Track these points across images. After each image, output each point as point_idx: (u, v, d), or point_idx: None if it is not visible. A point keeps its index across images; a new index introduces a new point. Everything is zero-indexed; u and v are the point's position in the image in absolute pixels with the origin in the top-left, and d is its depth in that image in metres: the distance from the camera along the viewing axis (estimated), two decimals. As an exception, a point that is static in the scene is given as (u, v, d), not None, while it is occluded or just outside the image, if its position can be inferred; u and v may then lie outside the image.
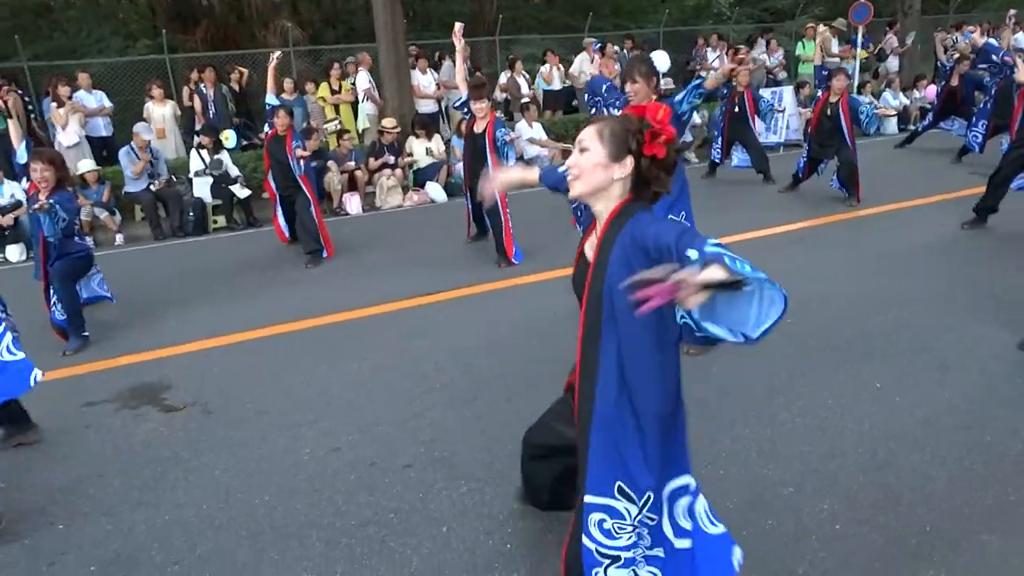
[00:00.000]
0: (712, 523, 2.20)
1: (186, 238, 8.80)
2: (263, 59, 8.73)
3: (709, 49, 14.14)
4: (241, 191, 9.03)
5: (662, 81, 13.08)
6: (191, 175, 9.19)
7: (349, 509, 3.11)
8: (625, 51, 12.98)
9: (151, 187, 8.98)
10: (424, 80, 11.69)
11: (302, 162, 7.11)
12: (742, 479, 3.17)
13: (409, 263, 6.84)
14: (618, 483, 1.99)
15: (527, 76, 12.85)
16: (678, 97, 4.45)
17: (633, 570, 2.07)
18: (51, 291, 5.14)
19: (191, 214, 8.92)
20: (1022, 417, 3.56)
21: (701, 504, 2.20)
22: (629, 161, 1.90)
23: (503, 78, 12.78)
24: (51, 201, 4.70)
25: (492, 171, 6.24)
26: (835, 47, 13.88)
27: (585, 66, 12.48)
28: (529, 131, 10.83)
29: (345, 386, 4.30)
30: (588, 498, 2.03)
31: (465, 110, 6.60)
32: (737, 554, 2.21)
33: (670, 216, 4.17)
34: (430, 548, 2.83)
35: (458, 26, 6.22)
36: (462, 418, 3.82)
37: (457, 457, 3.45)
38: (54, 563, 2.90)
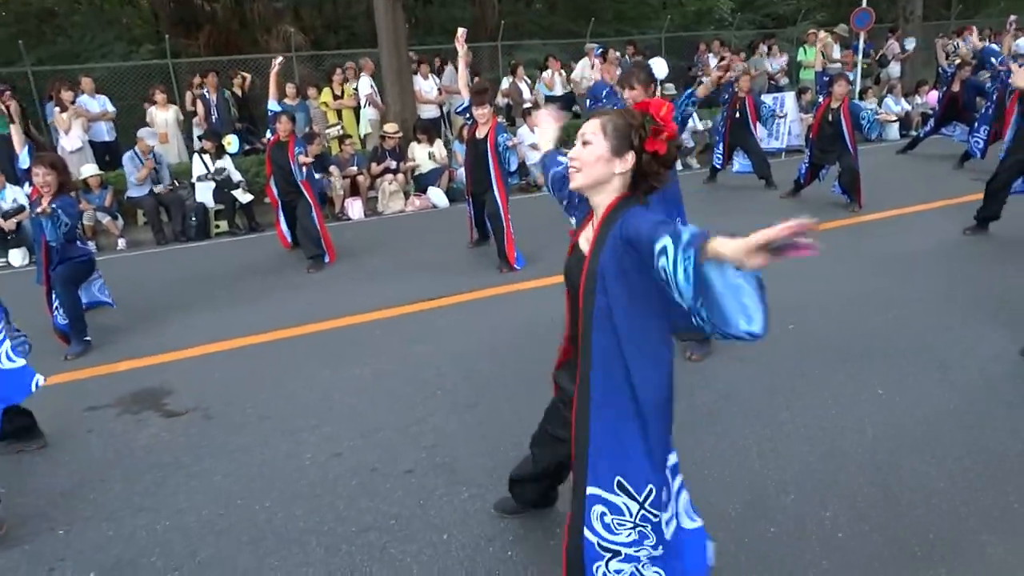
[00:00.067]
0: (691, 518, 2.23)
1: (188, 243, 8.81)
2: (265, 64, 8.77)
3: (711, 55, 14.15)
4: (243, 196, 9.05)
5: (663, 87, 13.16)
6: (193, 180, 9.21)
7: (350, 515, 3.10)
8: (627, 57, 13.00)
9: (154, 191, 9.00)
10: (426, 85, 11.72)
11: (304, 168, 7.12)
12: (743, 482, 3.16)
13: (411, 268, 6.84)
14: (618, 478, 1.99)
15: (529, 81, 12.87)
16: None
17: (636, 567, 2.06)
18: (53, 295, 5.15)
19: (193, 219, 8.93)
20: (1022, 419, 3.55)
21: (684, 497, 2.23)
22: (630, 157, 1.93)
23: (505, 83, 12.80)
24: (53, 206, 4.71)
25: (495, 179, 6.35)
26: (837, 53, 13.91)
27: (587, 71, 12.48)
28: (531, 136, 10.82)
29: (347, 391, 4.30)
30: (590, 489, 2.02)
31: (467, 115, 6.61)
32: (711, 549, 2.23)
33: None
34: (430, 555, 2.82)
35: (461, 31, 6.23)
36: (463, 424, 3.82)
37: (458, 463, 3.44)
38: (54, 568, 2.90)
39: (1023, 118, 6.37)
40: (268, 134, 7.33)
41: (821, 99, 8.30)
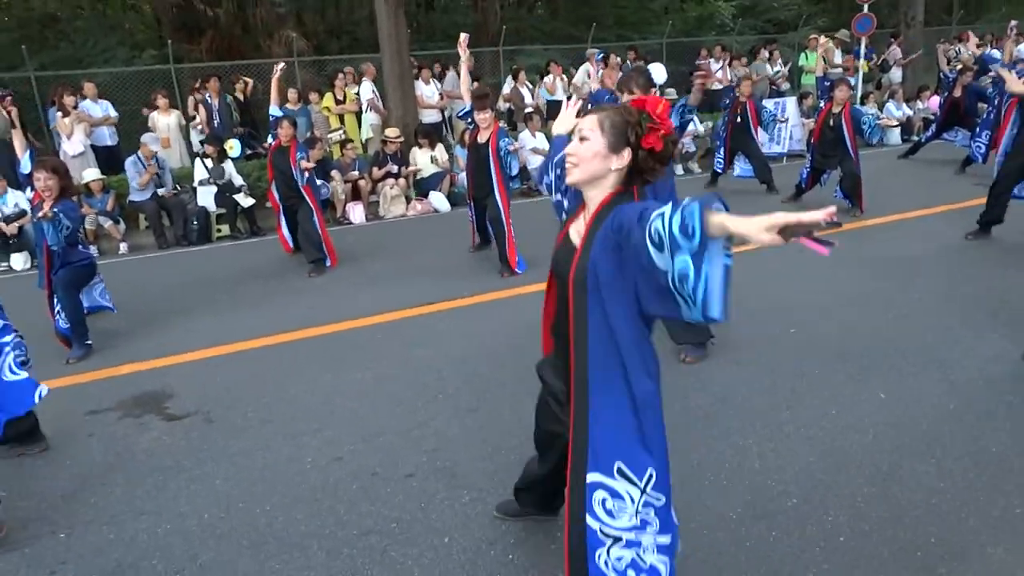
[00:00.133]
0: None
1: (190, 247, 8.83)
2: (268, 69, 8.79)
3: (712, 60, 14.18)
4: (245, 200, 9.06)
5: (664, 92, 13.18)
6: (195, 184, 9.23)
7: (351, 519, 3.10)
8: (628, 62, 13.03)
9: (158, 192, 9.02)
10: (427, 90, 11.74)
11: (306, 172, 7.13)
12: (743, 485, 3.16)
13: (412, 272, 6.84)
14: (618, 463, 1.99)
15: (530, 86, 12.89)
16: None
17: (637, 553, 2.04)
18: (55, 299, 5.16)
19: (195, 223, 8.95)
20: (1023, 419, 3.55)
21: None
22: (627, 153, 1.96)
23: (506, 88, 12.83)
24: (55, 210, 4.72)
25: (497, 184, 6.35)
26: (838, 58, 13.92)
27: (588, 77, 12.51)
28: (532, 141, 10.85)
29: (348, 395, 4.30)
30: (591, 476, 2.03)
31: (469, 120, 6.62)
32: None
33: None
34: (431, 558, 2.82)
35: (463, 36, 6.24)
36: (464, 428, 3.81)
37: (459, 467, 3.44)
38: (55, 571, 2.89)
39: (1023, 123, 6.38)
40: (270, 139, 7.35)
41: (822, 104, 8.30)
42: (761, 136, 9.92)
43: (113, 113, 10.32)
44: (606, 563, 2.05)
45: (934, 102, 13.12)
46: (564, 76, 13.06)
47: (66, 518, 3.23)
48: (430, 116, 11.72)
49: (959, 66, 10.66)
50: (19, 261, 8.15)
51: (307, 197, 7.08)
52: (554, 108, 12.98)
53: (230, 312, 6.05)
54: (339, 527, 3.05)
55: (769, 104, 10.97)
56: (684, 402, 3.90)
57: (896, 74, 15.23)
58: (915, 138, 12.38)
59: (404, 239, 8.45)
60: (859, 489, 3.09)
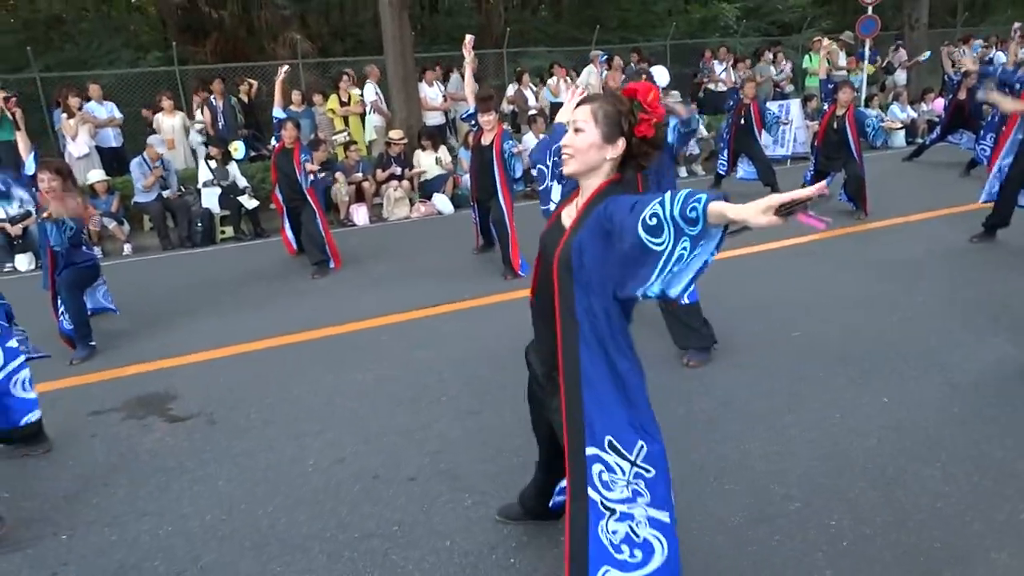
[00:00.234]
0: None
1: (194, 248, 8.84)
2: (272, 71, 8.81)
3: (716, 62, 14.17)
4: (249, 202, 9.08)
5: (668, 95, 13.16)
6: (200, 186, 9.24)
7: (352, 521, 3.10)
8: (632, 64, 13.02)
9: (163, 194, 9.04)
10: (431, 92, 11.75)
11: (311, 175, 7.14)
12: (746, 489, 3.15)
13: (415, 274, 6.85)
14: (608, 437, 2.05)
15: (534, 88, 12.89)
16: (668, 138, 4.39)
17: (630, 526, 2.08)
18: (59, 300, 5.17)
19: (199, 224, 8.96)
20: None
21: None
22: (621, 142, 2.01)
23: (510, 90, 12.83)
24: (59, 211, 4.74)
25: (500, 185, 6.34)
26: (842, 60, 13.90)
27: (592, 78, 12.51)
28: (536, 143, 10.84)
29: (350, 397, 4.30)
30: (589, 450, 2.08)
31: (473, 122, 6.62)
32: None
33: None
34: (433, 562, 2.81)
35: (468, 38, 6.25)
36: (466, 430, 3.81)
37: (461, 469, 3.43)
38: (57, 572, 2.90)
39: None
40: (273, 141, 7.36)
41: (826, 106, 8.28)
42: (765, 138, 9.90)
43: (118, 115, 10.34)
44: (605, 536, 2.10)
45: (938, 104, 13.09)
46: (568, 78, 13.06)
47: (68, 519, 3.24)
48: (434, 118, 11.72)
49: (963, 69, 10.62)
50: (24, 262, 8.17)
51: (310, 199, 7.08)
52: (558, 110, 12.98)
53: (234, 313, 6.05)
54: (341, 529, 3.04)
55: (773, 106, 10.96)
56: (687, 406, 3.90)
57: (900, 76, 15.20)
58: (920, 141, 12.35)
59: (407, 241, 8.46)
60: (862, 493, 3.08)
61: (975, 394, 3.90)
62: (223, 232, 9.21)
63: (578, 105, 2.06)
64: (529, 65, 14.09)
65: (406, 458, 3.57)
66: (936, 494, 3.05)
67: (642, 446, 2.05)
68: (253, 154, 10.72)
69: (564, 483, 2.28)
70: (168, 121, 10.30)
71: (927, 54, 15.03)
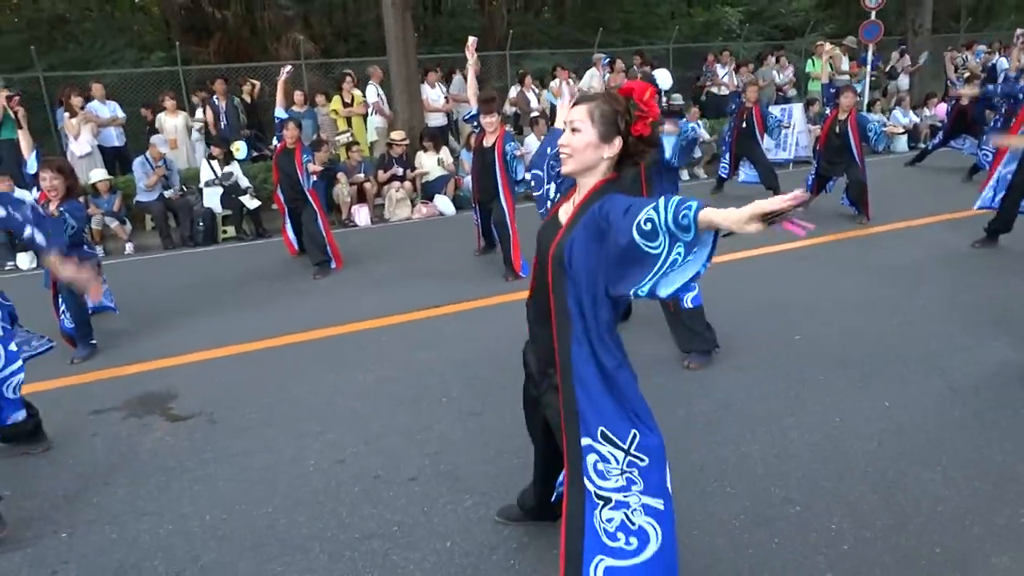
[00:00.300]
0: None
1: (195, 248, 8.85)
2: (275, 72, 8.82)
3: (718, 66, 14.17)
4: (251, 202, 9.09)
5: (670, 98, 13.17)
6: (201, 185, 9.25)
7: (353, 522, 3.10)
8: (635, 67, 13.03)
9: (164, 194, 9.05)
10: (433, 94, 11.76)
11: (313, 176, 7.15)
12: (746, 492, 3.14)
13: (417, 275, 6.85)
14: (601, 428, 2.09)
15: (536, 90, 12.90)
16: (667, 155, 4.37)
17: (625, 514, 2.11)
18: (59, 299, 5.17)
19: (201, 224, 8.97)
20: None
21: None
22: (618, 141, 2.03)
23: (513, 92, 12.83)
24: (61, 209, 4.74)
25: (501, 185, 6.35)
26: (845, 65, 13.90)
27: (595, 81, 12.50)
28: (538, 145, 10.85)
29: (351, 397, 4.30)
30: (584, 440, 2.12)
31: (475, 123, 6.63)
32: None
33: None
34: (433, 563, 2.81)
35: (471, 40, 6.25)
36: (467, 431, 3.81)
37: (462, 470, 3.43)
38: (56, 571, 2.89)
39: None
40: (275, 141, 7.37)
41: (828, 111, 8.28)
42: (767, 142, 9.90)
43: (121, 114, 10.35)
44: (600, 525, 2.13)
45: (941, 109, 13.08)
46: (570, 80, 13.05)
47: (68, 518, 3.24)
48: (436, 119, 11.73)
49: (966, 74, 10.63)
50: (25, 260, 8.18)
51: (311, 200, 7.09)
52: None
53: (235, 313, 6.06)
54: (341, 530, 3.04)
55: (775, 110, 10.96)
56: (687, 408, 3.90)
57: (903, 81, 15.20)
58: (922, 145, 12.35)
59: (409, 242, 8.46)
60: (863, 496, 3.08)
61: (975, 398, 3.90)
62: (225, 232, 9.22)
63: (574, 104, 2.08)
64: (531, 67, 14.09)
65: (407, 459, 3.57)
66: (936, 498, 3.05)
67: (635, 435, 2.08)
68: (255, 154, 10.74)
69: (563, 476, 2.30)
70: (171, 121, 10.32)
71: (925, 54, 15.04)
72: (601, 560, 2.13)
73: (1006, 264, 6.25)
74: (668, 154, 4.30)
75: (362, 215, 9.70)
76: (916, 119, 13.73)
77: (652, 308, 4.69)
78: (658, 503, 2.12)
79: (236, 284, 6.96)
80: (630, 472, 2.09)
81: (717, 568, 2.69)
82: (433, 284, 6.47)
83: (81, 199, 5.35)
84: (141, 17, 17.56)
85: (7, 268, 8.18)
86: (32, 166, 5.00)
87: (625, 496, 2.10)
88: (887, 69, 15.23)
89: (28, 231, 3.44)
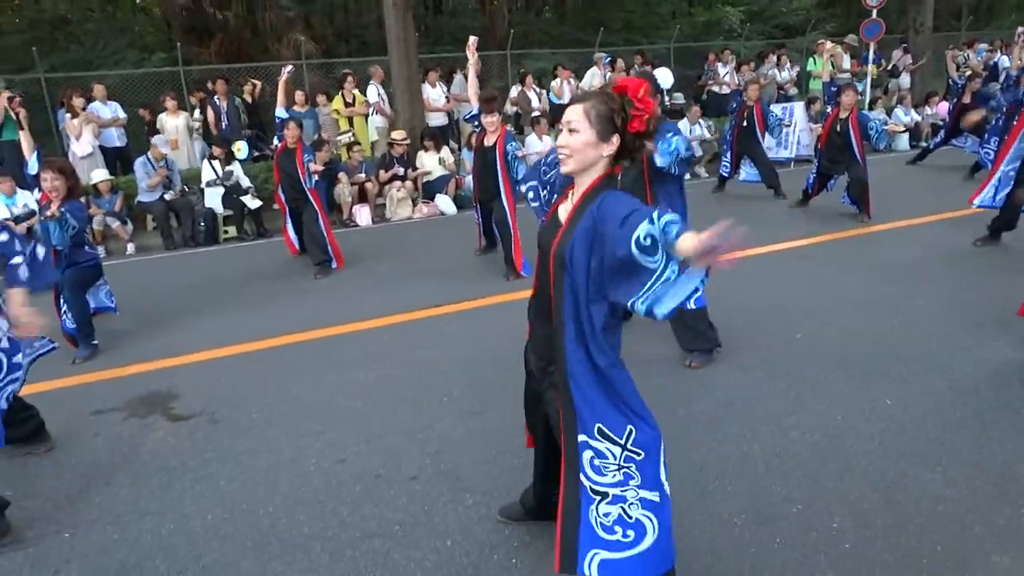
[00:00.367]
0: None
1: (197, 248, 8.86)
2: (276, 72, 8.82)
3: (720, 64, 14.17)
4: (252, 202, 9.09)
5: (672, 97, 13.17)
6: (203, 186, 9.26)
7: (354, 521, 3.10)
8: (636, 66, 13.03)
9: (165, 197, 9.06)
10: (434, 93, 11.76)
11: (315, 176, 7.15)
12: (747, 491, 3.14)
13: (418, 275, 6.85)
14: (598, 425, 2.12)
15: (537, 90, 12.90)
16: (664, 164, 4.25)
17: (622, 508, 2.15)
18: (61, 300, 5.18)
19: (202, 224, 8.98)
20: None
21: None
22: (615, 139, 2.05)
23: (514, 92, 12.83)
24: (62, 210, 4.76)
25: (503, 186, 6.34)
26: (846, 63, 13.89)
27: (596, 80, 12.51)
28: (539, 144, 10.85)
29: (352, 397, 4.30)
30: (581, 437, 2.15)
31: (476, 123, 6.63)
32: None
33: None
34: (434, 561, 2.81)
35: (472, 39, 6.26)
36: (468, 431, 3.81)
37: (463, 470, 3.44)
38: (59, 571, 2.90)
39: None
40: (276, 141, 7.38)
41: (829, 109, 8.27)
42: (768, 141, 9.89)
43: (122, 115, 10.37)
44: (595, 520, 2.17)
45: (942, 108, 13.07)
46: (572, 80, 13.07)
47: (71, 518, 3.25)
48: (437, 119, 11.73)
49: (968, 72, 10.62)
50: (27, 261, 8.18)
51: (312, 199, 7.10)
52: (560, 112, 12.97)
53: (236, 313, 6.07)
54: (342, 529, 3.05)
55: (776, 109, 10.96)
56: (688, 407, 3.90)
57: (904, 79, 15.19)
58: (923, 144, 12.34)
59: (410, 242, 8.46)
60: (863, 495, 3.08)
61: (976, 397, 3.89)
62: (226, 232, 9.23)
63: (570, 104, 2.10)
64: (533, 67, 14.10)
65: (408, 458, 3.57)
66: (937, 497, 3.05)
67: (631, 430, 2.11)
68: (256, 154, 10.75)
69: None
70: (172, 121, 10.33)
71: (928, 55, 15.03)
72: (596, 554, 2.17)
73: (1008, 262, 6.25)
74: (660, 162, 4.17)
75: (363, 215, 9.70)
76: (917, 117, 13.71)
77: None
78: (654, 495, 2.15)
79: (237, 284, 6.97)
80: (627, 468, 2.13)
81: (718, 567, 2.69)
82: (434, 283, 6.48)
83: (82, 199, 5.36)
84: (142, 18, 17.59)
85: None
86: (33, 167, 5.02)
87: (623, 491, 2.14)
88: (888, 67, 15.21)
89: (17, 260, 3.42)
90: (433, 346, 5.02)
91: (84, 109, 9.61)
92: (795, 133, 11.59)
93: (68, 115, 9.55)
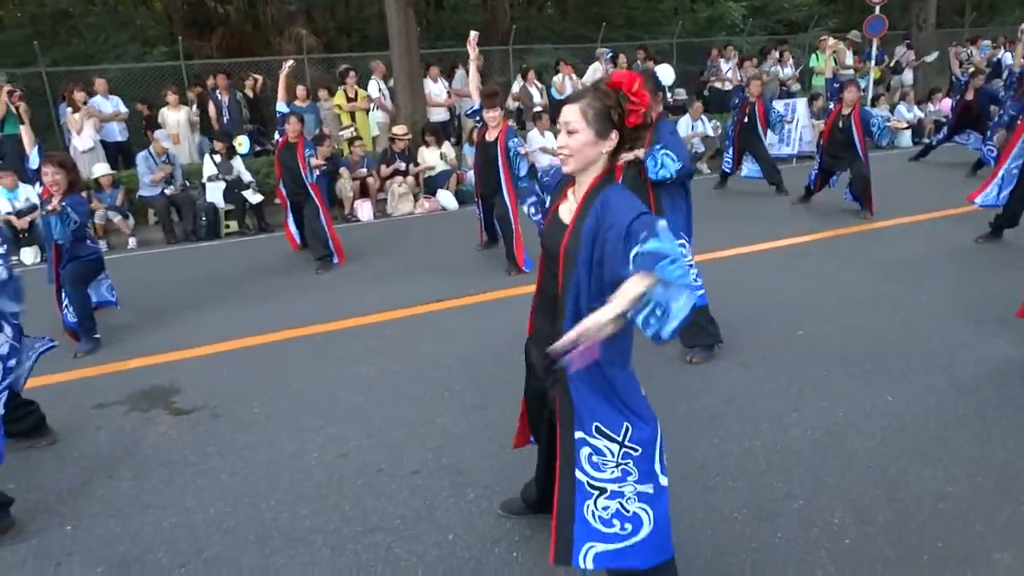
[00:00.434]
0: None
1: (198, 242, 8.87)
2: (277, 66, 8.82)
3: (722, 60, 14.14)
4: (253, 196, 9.10)
5: (674, 93, 13.14)
6: (204, 180, 9.26)
7: (355, 515, 3.11)
8: (638, 62, 13.00)
9: (165, 192, 9.06)
10: (435, 88, 11.74)
11: (316, 170, 7.15)
12: (748, 487, 3.15)
13: (419, 270, 6.85)
14: (595, 423, 2.15)
15: (539, 85, 12.87)
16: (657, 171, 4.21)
17: (620, 503, 2.17)
18: (63, 294, 5.18)
19: (204, 219, 8.98)
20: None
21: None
22: (614, 135, 2.05)
23: (515, 87, 12.81)
24: (63, 204, 4.75)
25: (505, 184, 6.33)
26: (849, 59, 13.86)
27: (598, 76, 12.48)
28: (541, 140, 10.85)
29: (354, 391, 4.31)
30: (578, 434, 2.18)
31: (478, 118, 6.63)
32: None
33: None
34: (436, 555, 2.82)
35: (473, 34, 6.24)
36: (470, 425, 3.82)
37: (464, 464, 3.44)
38: (61, 563, 2.91)
39: None
40: (277, 135, 7.38)
41: (832, 105, 8.26)
42: (770, 137, 9.88)
43: (123, 109, 10.37)
44: (593, 514, 2.19)
45: (946, 104, 13.05)
46: (573, 75, 13.04)
47: (73, 511, 3.25)
48: (438, 114, 11.72)
49: (971, 69, 10.59)
50: (30, 255, 8.19)
51: (313, 194, 7.10)
52: (561, 107, 12.94)
53: (238, 308, 6.07)
54: (344, 523, 3.05)
55: (779, 105, 10.94)
56: (690, 403, 3.90)
57: (907, 76, 15.16)
58: (926, 140, 12.32)
59: (412, 237, 8.46)
60: (865, 492, 3.08)
61: (977, 395, 3.89)
62: (227, 226, 9.23)
63: (565, 104, 2.09)
64: (535, 62, 14.07)
65: (409, 452, 3.58)
66: (938, 494, 3.05)
67: (628, 428, 2.13)
68: (258, 149, 10.74)
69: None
70: (173, 116, 10.32)
71: (935, 54, 14.96)
72: (592, 547, 2.20)
73: (1010, 259, 6.25)
74: (671, 170, 4.13)
75: (364, 210, 9.70)
76: (920, 114, 13.70)
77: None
78: (648, 488, 2.18)
79: (239, 279, 6.97)
80: (625, 464, 2.15)
81: (719, 562, 2.69)
82: (436, 278, 6.48)
83: (84, 194, 5.36)
84: (144, 12, 17.56)
85: (11, 263, 8.18)
86: (34, 161, 5.01)
87: (620, 486, 2.16)
88: (891, 64, 15.17)
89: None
90: (435, 341, 5.02)
91: (85, 103, 9.61)
92: (797, 129, 11.57)
93: (69, 109, 9.55)
